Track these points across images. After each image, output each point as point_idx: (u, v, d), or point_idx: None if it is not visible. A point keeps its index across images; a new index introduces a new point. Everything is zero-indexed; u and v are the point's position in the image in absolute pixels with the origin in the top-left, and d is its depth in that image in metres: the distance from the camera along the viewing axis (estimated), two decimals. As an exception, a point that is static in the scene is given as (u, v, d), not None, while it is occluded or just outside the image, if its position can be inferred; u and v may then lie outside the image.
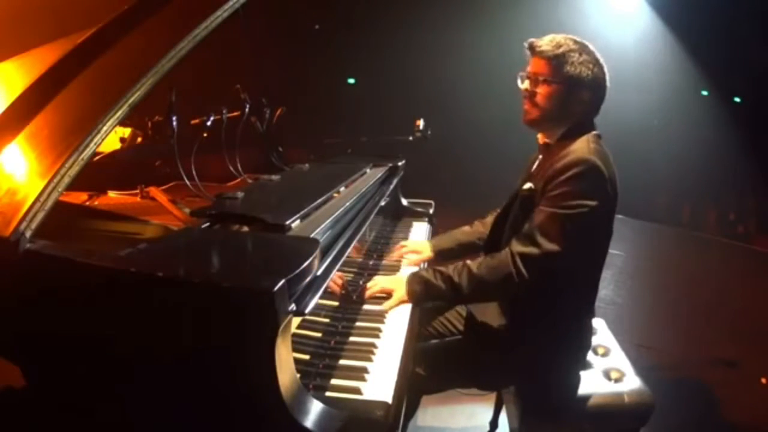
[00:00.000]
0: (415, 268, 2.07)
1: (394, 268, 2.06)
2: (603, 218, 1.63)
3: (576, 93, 1.68)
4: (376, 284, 1.74)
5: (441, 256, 2.16)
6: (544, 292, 1.62)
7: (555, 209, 1.57)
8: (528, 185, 1.73)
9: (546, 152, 1.75)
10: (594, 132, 1.70)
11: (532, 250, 1.57)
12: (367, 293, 1.72)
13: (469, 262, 1.65)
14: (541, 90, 1.70)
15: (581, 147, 1.63)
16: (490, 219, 2.09)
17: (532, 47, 1.73)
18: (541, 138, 1.80)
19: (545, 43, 1.70)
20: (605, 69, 1.72)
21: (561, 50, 1.67)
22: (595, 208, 1.56)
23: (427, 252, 2.15)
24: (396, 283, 1.73)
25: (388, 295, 1.71)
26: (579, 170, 1.56)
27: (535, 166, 1.80)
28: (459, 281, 1.63)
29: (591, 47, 1.72)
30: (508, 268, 1.58)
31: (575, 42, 1.70)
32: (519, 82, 1.76)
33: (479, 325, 1.80)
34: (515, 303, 1.73)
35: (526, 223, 1.64)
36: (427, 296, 1.70)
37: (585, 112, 1.71)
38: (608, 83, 1.73)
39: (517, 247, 1.59)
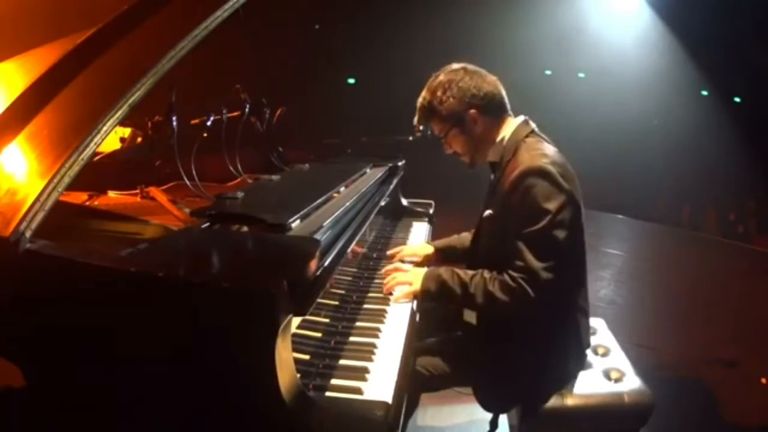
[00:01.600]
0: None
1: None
2: (572, 213, 1.61)
3: (463, 121, 1.74)
4: (394, 278, 1.77)
5: (443, 257, 2.15)
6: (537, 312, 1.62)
7: (529, 229, 1.56)
8: (488, 212, 1.76)
9: (496, 170, 1.77)
10: (526, 132, 1.72)
11: (533, 276, 1.55)
12: (386, 285, 1.76)
13: (486, 274, 1.64)
14: (450, 143, 1.81)
15: (523, 157, 1.64)
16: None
17: (419, 124, 1.85)
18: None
19: (417, 113, 1.83)
20: (474, 70, 1.77)
21: (426, 110, 1.79)
22: (563, 204, 1.57)
23: (429, 253, 2.13)
24: (413, 276, 1.75)
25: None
26: (529, 182, 1.57)
27: (491, 188, 1.80)
28: (473, 291, 1.63)
29: (449, 69, 1.78)
30: (520, 292, 1.56)
31: (430, 85, 1.79)
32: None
33: (477, 325, 1.80)
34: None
35: (498, 247, 1.67)
36: (439, 297, 1.71)
37: (488, 122, 1.76)
38: (481, 78, 1.75)
39: (519, 276, 1.57)
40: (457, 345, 1.84)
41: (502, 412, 2.11)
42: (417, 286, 1.71)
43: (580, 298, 1.77)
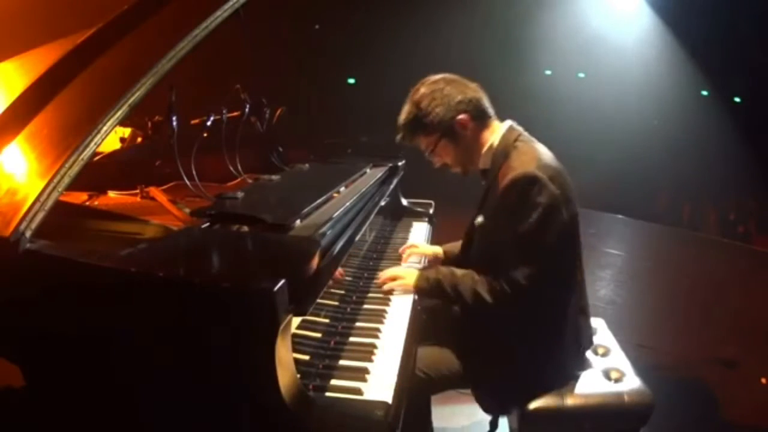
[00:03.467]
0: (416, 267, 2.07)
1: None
2: (560, 218, 1.61)
3: (455, 127, 1.73)
4: (388, 271, 1.81)
5: (450, 260, 2.15)
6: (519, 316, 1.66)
7: (517, 233, 1.58)
8: (479, 219, 1.76)
9: (488, 178, 1.77)
10: (515, 136, 1.73)
11: (513, 283, 1.58)
12: (380, 277, 1.80)
13: (475, 275, 1.68)
14: (440, 154, 1.79)
15: (514, 164, 1.64)
16: None
17: (404, 142, 1.81)
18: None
19: (402, 131, 1.79)
20: (452, 78, 1.76)
21: (410, 125, 1.76)
22: (548, 210, 1.57)
23: (438, 255, 2.14)
24: (408, 272, 1.79)
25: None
26: (520, 188, 1.58)
27: (481, 195, 1.81)
28: (462, 290, 1.67)
29: (427, 81, 1.76)
30: (504, 295, 1.60)
31: (411, 100, 1.76)
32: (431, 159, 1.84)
33: (476, 326, 1.79)
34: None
35: (488, 252, 1.71)
36: (431, 294, 1.75)
37: (477, 128, 1.76)
38: (461, 86, 1.75)
39: (503, 282, 1.60)
40: (457, 347, 1.84)
41: (502, 414, 2.11)
42: (410, 281, 1.75)
43: (577, 299, 1.77)
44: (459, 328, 1.88)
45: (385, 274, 1.82)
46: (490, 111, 1.79)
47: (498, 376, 1.73)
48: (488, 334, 1.75)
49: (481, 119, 1.76)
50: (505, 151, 1.71)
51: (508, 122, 1.79)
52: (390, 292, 1.76)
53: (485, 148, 1.76)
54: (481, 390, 1.79)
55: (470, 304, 1.67)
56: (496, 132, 1.77)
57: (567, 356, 1.78)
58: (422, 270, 1.82)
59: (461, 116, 1.72)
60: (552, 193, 1.58)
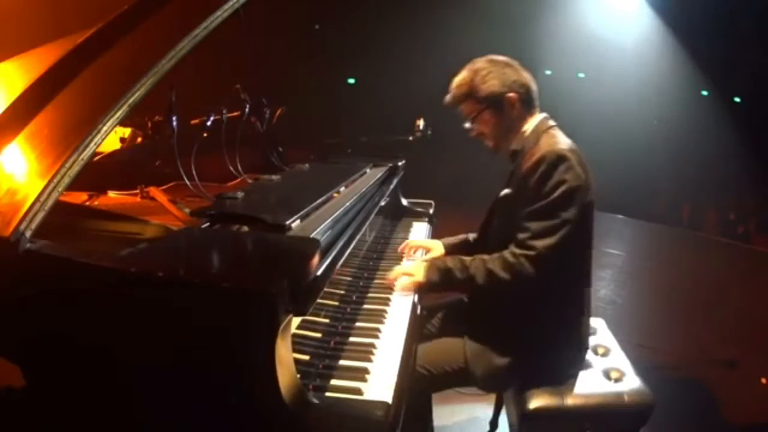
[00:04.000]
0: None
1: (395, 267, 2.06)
2: (582, 200, 1.66)
3: (502, 103, 1.79)
4: (395, 270, 1.83)
5: (452, 254, 2.15)
6: (536, 289, 1.68)
7: (539, 204, 1.64)
8: (505, 191, 1.82)
9: (516, 159, 1.82)
10: (548, 125, 1.80)
11: (533, 252, 1.63)
12: (388, 277, 1.82)
13: (484, 256, 1.72)
14: (480, 125, 1.84)
15: (544, 144, 1.72)
16: None
17: (450, 104, 1.86)
18: None
19: (453, 92, 1.84)
20: (511, 63, 1.83)
21: (465, 87, 1.81)
22: (575, 186, 1.63)
23: (439, 250, 2.15)
24: (416, 268, 1.81)
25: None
26: (549, 162, 1.64)
27: (509, 174, 1.86)
28: (474, 272, 1.69)
29: (490, 57, 1.83)
30: (519, 267, 1.63)
31: (469, 68, 1.83)
32: (467, 128, 1.88)
33: (478, 324, 1.80)
34: (511, 301, 1.75)
35: (509, 226, 1.73)
36: (442, 284, 1.77)
37: (522, 110, 1.81)
38: (520, 71, 1.82)
39: (519, 251, 1.65)
40: (458, 333, 1.84)
41: (499, 391, 2.13)
42: (420, 276, 1.77)
43: (584, 297, 1.78)
44: (464, 318, 1.88)
45: (392, 273, 1.83)
46: (536, 102, 1.85)
47: (497, 352, 1.74)
48: (493, 315, 1.78)
49: (527, 104, 1.82)
50: (536, 135, 1.78)
51: (543, 114, 1.86)
52: (400, 289, 1.78)
53: (520, 131, 1.83)
54: (478, 366, 1.76)
55: (484, 285, 1.68)
56: (533, 120, 1.84)
57: (568, 353, 1.79)
58: (430, 261, 1.83)
59: (512, 94, 1.79)
60: (578, 174, 1.66)
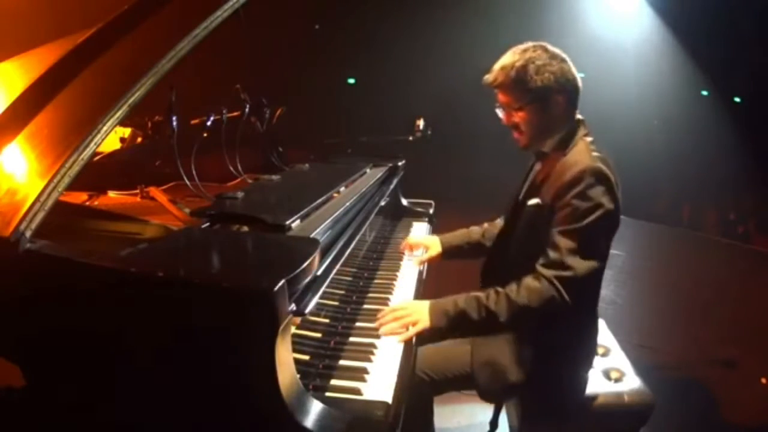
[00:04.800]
0: (416, 267, 2.07)
1: (394, 267, 2.06)
2: (615, 224, 1.60)
3: (549, 101, 1.65)
4: (395, 311, 1.59)
5: (449, 253, 2.14)
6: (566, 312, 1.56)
7: (575, 225, 1.52)
8: (534, 201, 1.67)
9: (544, 161, 1.73)
10: (584, 132, 1.68)
11: (568, 273, 1.51)
12: (384, 326, 1.54)
13: (499, 288, 1.57)
14: (518, 117, 1.68)
15: (582, 155, 1.60)
16: (500, 222, 2.05)
17: (490, 85, 1.69)
18: None
19: (496, 72, 1.66)
20: (566, 58, 1.67)
21: (513, 73, 1.63)
22: (611, 211, 1.54)
23: (436, 248, 2.13)
24: (416, 311, 1.57)
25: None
26: (589, 181, 1.53)
27: (535, 177, 1.75)
28: (496, 309, 1.53)
29: (544, 45, 1.67)
30: (550, 292, 1.51)
31: (523, 51, 1.65)
32: (499, 113, 1.73)
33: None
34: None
35: (535, 238, 1.60)
36: (454, 328, 1.59)
37: (566, 112, 1.69)
38: (574, 70, 1.68)
39: (551, 272, 1.52)
40: (459, 348, 1.82)
41: (502, 400, 2.09)
42: (425, 322, 1.55)
43: (596, 301, 1.75)
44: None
45: (388, 316, 1.57)
46: (578, 105, 1.72)
47: (509, 362, 1.67)
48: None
49: (571, 107, 1.70)
50: (570, 141, 1.66)
51: (580, 116, 1.73)
52: (401, 340, 1.51)
53: (558, 133, 1.69)
54: (482, 377, 1.70)
55: (506, 321, 1.53)
56: (571, 123, 1.71)
57: (580, 357, 1.75)
58: (433, 304, 1.59)
59: (561, 95, 1.65)
60: (615, 195, 1.56)
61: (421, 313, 1.56)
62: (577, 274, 1.50)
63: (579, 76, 1.69)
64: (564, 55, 1.67)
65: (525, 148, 1.74)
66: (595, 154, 1.61)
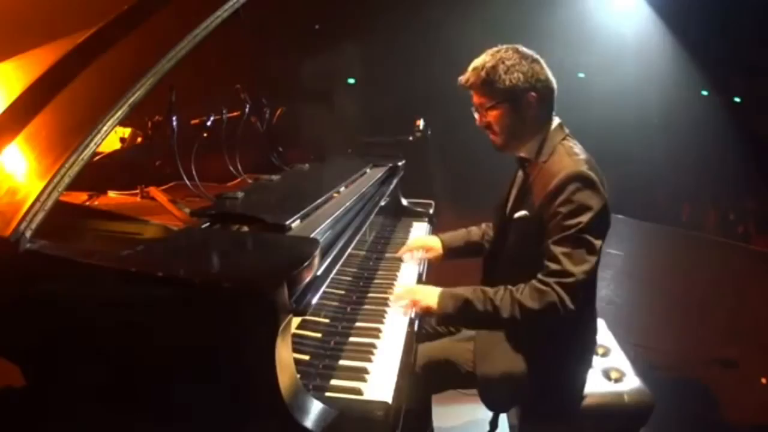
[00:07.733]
0: (416, 267, 2.07)
1: (394, 267, 2.06)
2: (607, 222, 1.61)
3: (521, 101, 1.66)
4: (406, 291, 1.69)
5: (451, 254, 2.14)
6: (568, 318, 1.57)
7: (568, 232, 1.53)
8: (522, 213, 1.69)
9: (525, 169, 1.74)
10: (562, 136, 1.69)
11: (569, 279, 1.52)
12: (396, 301, 1.67)
13: (509, 287, 1.59)
14: (491, 117, 1.69)
15: (563, 161, 1.61)
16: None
17: (463, 87, 1.72)
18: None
19: (469, 74, 1.69)
20: (539, 59, 1.69)
21: (484, 73, 1.66)
22: (600, 211, 1.55)
23: (438, 249, 2.13)
24: (424, 294, 1.65)
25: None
26: (573, 187, 1.55)
27: (520, 189, 1.77)
28: (500, 305, 1.56)
29: (517, 48, 1.69)
30: (554, 299, 1.52)
31: (495, 53, 1.68)
32: (475, 115, 1.74)
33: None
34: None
35: (526, 248, 1.63)
36: (457, 317, 1.63)
37: (540, 112, 1.69)
38: (547, 71, 1.69)
39: (553, 280, 1.53)
40: (460, 347, 1.82)
41: (505, 411, 2.10)
42: (433, 304, 1.61)
43: (593, 301, 1.75)
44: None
45: (398, 296, 1.68)
46: (553, 106, 1.73)
47: (508, 375, 1.68)
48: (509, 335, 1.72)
49: (545, 108, 1.70)
50: (551, 147, 1.67)
51: (557, 120, 1.74)
52: (404, 313, 1.63)
53: (534, 137, 1.70)
54: (487, 387, 1.72)
55: (510, 319, 1.55)
56: (548, 127, 1.72)
57: (579, 357, 1.75)
58: (444, 290, 1.64)
59: (534, 93, 1.66)
60: (602, 195, 1.57)
61: (431, 297, 1.62)
62: (579, 279, 1.51)
63: (552, 77, 1.70)
64: (537, 57, 1.69)
65: (501, 149, 1.75)
66: (576, 157, 1.62)
